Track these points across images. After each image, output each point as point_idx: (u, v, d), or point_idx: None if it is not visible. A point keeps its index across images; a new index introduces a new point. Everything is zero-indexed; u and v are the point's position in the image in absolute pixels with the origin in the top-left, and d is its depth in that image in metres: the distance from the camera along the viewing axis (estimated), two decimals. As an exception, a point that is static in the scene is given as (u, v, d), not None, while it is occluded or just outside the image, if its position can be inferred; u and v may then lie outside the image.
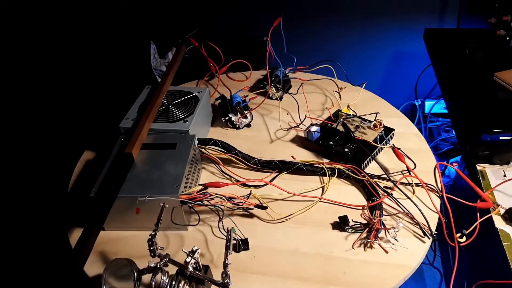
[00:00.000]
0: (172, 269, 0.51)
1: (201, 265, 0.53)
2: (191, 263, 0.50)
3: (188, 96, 0.83)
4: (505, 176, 0.69)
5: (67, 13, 1.36)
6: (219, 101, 0.89)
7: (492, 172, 0.70)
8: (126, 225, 0.64)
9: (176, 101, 0.81)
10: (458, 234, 0.60)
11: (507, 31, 1.02)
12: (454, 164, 1.27)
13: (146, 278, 0.53)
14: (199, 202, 0.61)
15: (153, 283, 0.49)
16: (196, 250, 0.51)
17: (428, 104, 1.48)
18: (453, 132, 1.42)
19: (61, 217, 0.69)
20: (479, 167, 0.71)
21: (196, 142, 0.72)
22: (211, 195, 0.62)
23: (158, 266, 0.50)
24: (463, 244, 0.60)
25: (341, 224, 0.62)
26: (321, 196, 0.68)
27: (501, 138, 0.73)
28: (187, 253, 0.51)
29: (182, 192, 0.61)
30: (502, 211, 0.62)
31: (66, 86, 1.39)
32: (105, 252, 0.61)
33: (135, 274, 0.51)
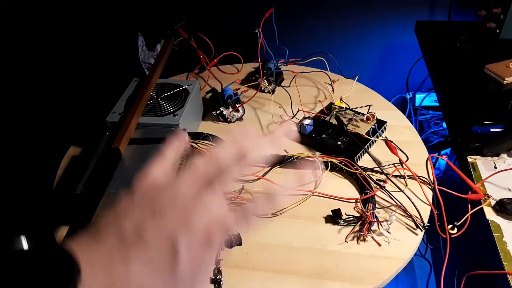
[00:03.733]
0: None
1: (193, 261, 0.52)
2: (184, 259, 0.50)
3: (178, 89, 0.81)
4: (495, 167, 0.69)
5: (51, 3, 1.32)
6: (210, 94, 0.88)
7: (483, 164, 0.70)
8: (116, 221, 0.62)
9: (165, 94, 0.80)
10: (450, 226, 0.61)
11: (497, 23, 1.03)
12: (444, 156, 1.28)
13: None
14: (191, 197, 0.60)
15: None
16: (189, 246, 0.50)
17: (418, 97, 1.49)
18: (443, 124, 1.43)
19: (47, 214, 0.67)
20: (470, 159, 0.71)
21: (187, 137, 0.71)
22: (203, 190, 0.61)
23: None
24: (455, 235, 0.60)
25: (334, 217, 0.62)
26: (314, 189, 0.68)
27: (491, 130, 0.73)
28: (179, 249, 0.50)
29: (173, 187, 0.60)
30: (493, 202, 0.63)
31: (50, 79, 1.36)
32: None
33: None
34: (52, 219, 0.64)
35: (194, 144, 0.74)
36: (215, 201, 0.29)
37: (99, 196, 0.58)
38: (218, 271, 0.49)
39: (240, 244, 0.60)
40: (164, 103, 0.78)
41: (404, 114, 0.85)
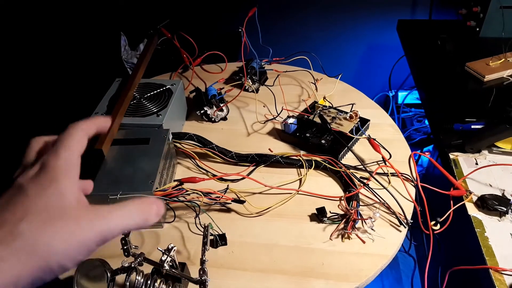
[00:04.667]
0: (147, 268, 0.49)
1: (177, 263, 0.51)
2: (167, 261, 0.49)
3: (161, 89, 0.80)
4: (477, 164, 0.70)
5: (32, 4, 1.29)
6: (194, 94, 0.87)
7: (464, 161, 0.71)
8: (98, 224, 0.61)
9: (149, 94, 0.79)
10: (433, 222, 0.61)
11: (477, 22, 1.05)
12: (427, 153, 1.30)
13: (121, 278, 0.51)
14: (175, 199, 0.60)
15: (128, 283, 0.47)
16: (172, 247, 0.50)
17: (401, 94, 1.51)
18: (426, 122, 1.45)
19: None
20: (451, 155, 0.73)
21: (171, 137, 0.70)
22: (187, 190, 0.60)
23: (133, 265, 0.48)
24: (437, 231, 0.61)
25: (319, 215, 0.62)
26: (299, 188, 0.68)
27: (472, 127, 0.75)
28: (163, 251, 0.49)
29: (157, 188, 0.59)
30: (475, 198, 0.64)
31: (31, 81, 1.33)
32: (77, 252, 0.59)
33: (109, 275, 0.49)
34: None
35: (178, 144, 0.73)
36: None
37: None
38: (203, 272, 0.49)
39: (225, 244, 0.60)
40: (147, 103, 0.76)
41: (387, 112, 0.86)
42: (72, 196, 0.29)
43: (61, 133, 0.33)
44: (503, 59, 0.91)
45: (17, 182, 0.29)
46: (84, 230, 0.28)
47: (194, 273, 0.53)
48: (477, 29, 1.05)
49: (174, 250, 0.50)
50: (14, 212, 0.27)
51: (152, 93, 0.79)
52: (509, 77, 0.89)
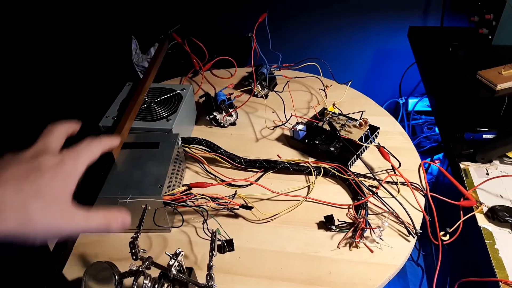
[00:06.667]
0: (155, 272, 0.50)
1: (185, 268, 0.52)
2: (175, 266, 0.49)
3: (171, 94, 0.81)
4: (488, 174, 0.69)
5: (44, 7, 1.31)
6: (204, 98, 0.88)
7: (475, 171, 0.70)
8: (107, 227, 0.62)
9: (159, 99, 0.80)
10: (442, 233, 0.61)
11: (489, 29, 1.04)
12: (437, 161, 1.29)
13: (128, 281, 0.51)
14: (183, 203, 0.60)
15: (135, 287, 0.47)
16: (180, 252, 0.50)
17: (411, 101, 1.50)
18: (436, 129, 1.44)
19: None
20: (462, 165, 0.72)
21: (180, 141, 0.70)
22: (195, 195, 0.61)
23: (140, 269, 0.49)
24: (447, 242, 0.60)
25: (327, 223, 0.62)
26: (307, 195, 0.68)
27: (484, 136, 0.74)
28: (170, 256, 0.49)
29: (165, 193, 0.59)
30: (485, 209, 0.63)
31: (43, 83, 1.35)
32: (85, 254, 0.59)
33: (116, 278, 0.50)
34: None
35: (187, 149, 0.74)
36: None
37: (92, 201, 0.57)
38: (210, 277, 0.49)
39: (232, 249, 0.60)
40: (157, 108, 0.77)
41: (397, 119, 0.85)
42: (70, 196, 0.37)
43: (85, 141, 0.42)
44: (516, 68, 0.90)
45: (41, 163, 0.35)
46: (66, 225, 0.35)
47: (201, 278, 0.53)
48: (490, 37, 1.04)
49: (182, 255, 0.50)
50: (31, 185, 0.33)
51: (162, 98, 0.80)
52: (522, 86, 0.88)
